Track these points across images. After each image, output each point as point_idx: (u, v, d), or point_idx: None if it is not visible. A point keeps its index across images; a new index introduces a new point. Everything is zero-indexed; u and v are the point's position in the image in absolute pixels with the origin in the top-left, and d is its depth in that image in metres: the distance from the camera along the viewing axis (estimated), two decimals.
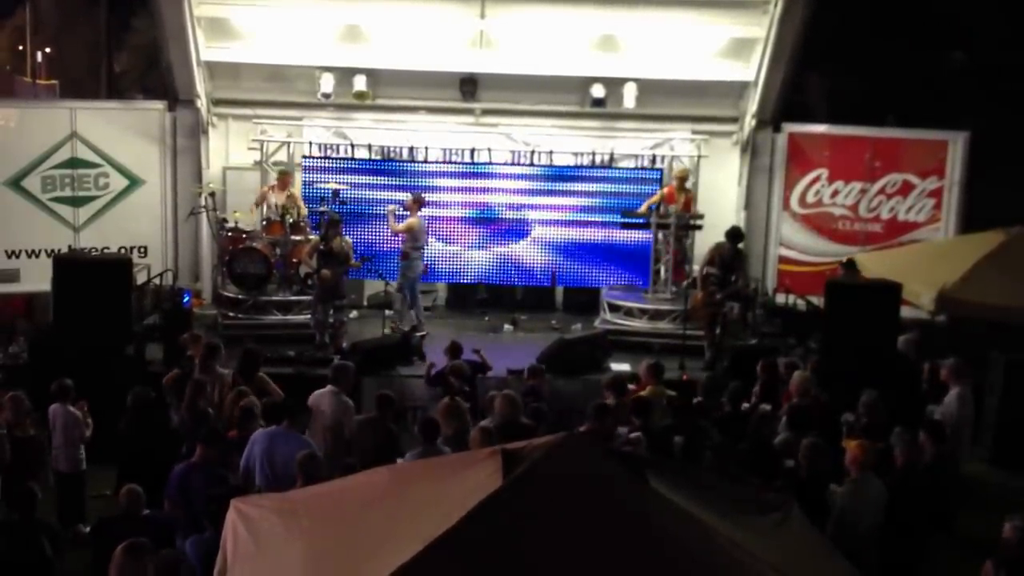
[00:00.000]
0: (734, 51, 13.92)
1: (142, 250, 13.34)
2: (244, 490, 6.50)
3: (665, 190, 13.10)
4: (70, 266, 10.42)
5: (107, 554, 5.38)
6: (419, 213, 12.29)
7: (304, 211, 12.62)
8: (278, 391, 8.68)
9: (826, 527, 6.40)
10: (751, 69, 13.80)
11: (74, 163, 13.13)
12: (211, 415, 7.99)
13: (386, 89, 13.96)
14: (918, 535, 7.08)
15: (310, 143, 13.63)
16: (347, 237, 11.94)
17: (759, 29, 13.44)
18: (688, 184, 13.07)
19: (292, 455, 6.70)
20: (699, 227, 12.70)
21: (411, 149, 13.58)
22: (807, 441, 7.02)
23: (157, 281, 12.45)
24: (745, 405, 8.68)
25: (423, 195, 12.47)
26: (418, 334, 11.70)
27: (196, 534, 6.20)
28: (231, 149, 14.04)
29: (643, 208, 12.89)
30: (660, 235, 12.75)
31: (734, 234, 11.79)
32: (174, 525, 6.58)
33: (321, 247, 11.47)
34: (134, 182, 13.47)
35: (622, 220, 13.01)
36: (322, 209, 12.20)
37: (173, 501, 6.75)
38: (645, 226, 12.79)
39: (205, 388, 8.30)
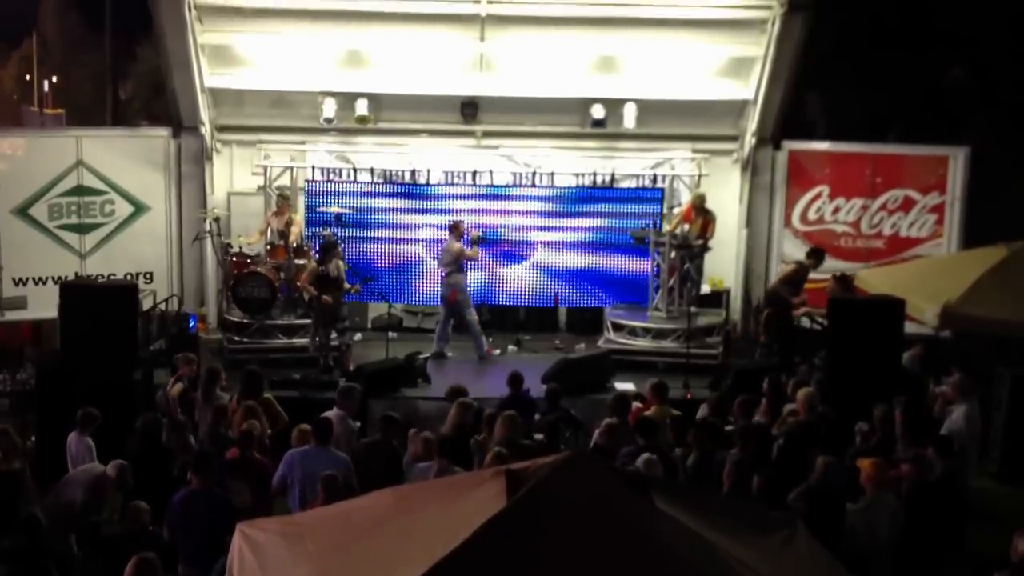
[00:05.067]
0: (733, 70, 13.99)
1: (148, 276, 13.39)
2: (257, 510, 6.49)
3: (683, 210, 13.15)
4: (77, 293, 10.41)
5: (114, 571, 5.38)
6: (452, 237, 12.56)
7: (294, 236, 12.55)
8: (283, 414, 8.70)
9: (840, 545, 6.37)
10: (750, 88, 13.86)
11: (80, 191, 13.21)
12: (229, 438, 7.99)
13: (388, 113, 14.05)
14: (931, 552, 7.04)
15: (313, 167, 13.73)
16: (343, 263, 11.96)
17: (758, 48, 13.52)
18: (707, 206, 12.96)
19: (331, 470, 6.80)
20: (696, 248, 12.70)
21: (413, 172, 13.66)
22: (823, 458, 6.99)
23: (163, 306, 12.50)
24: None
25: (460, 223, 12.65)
26: (421, 356, 11.71)
27: (210, 558, 6.15)
28: (235, 175, 14.11)
29: (664, 228, 12.99)
30: (671, 254, 12.65)
31: (819, 254, 12.43)
32: (177, 550, 6.56)
33: (320, 272, 11.51)
34: (139, 208, 13.55)
35: (633, 238, 13.10)
36: (324, 232, 12.23)
37: (173, 528, 6.71)
38: (654, 245, 12.82)
39: (227, 413, 8.29)
